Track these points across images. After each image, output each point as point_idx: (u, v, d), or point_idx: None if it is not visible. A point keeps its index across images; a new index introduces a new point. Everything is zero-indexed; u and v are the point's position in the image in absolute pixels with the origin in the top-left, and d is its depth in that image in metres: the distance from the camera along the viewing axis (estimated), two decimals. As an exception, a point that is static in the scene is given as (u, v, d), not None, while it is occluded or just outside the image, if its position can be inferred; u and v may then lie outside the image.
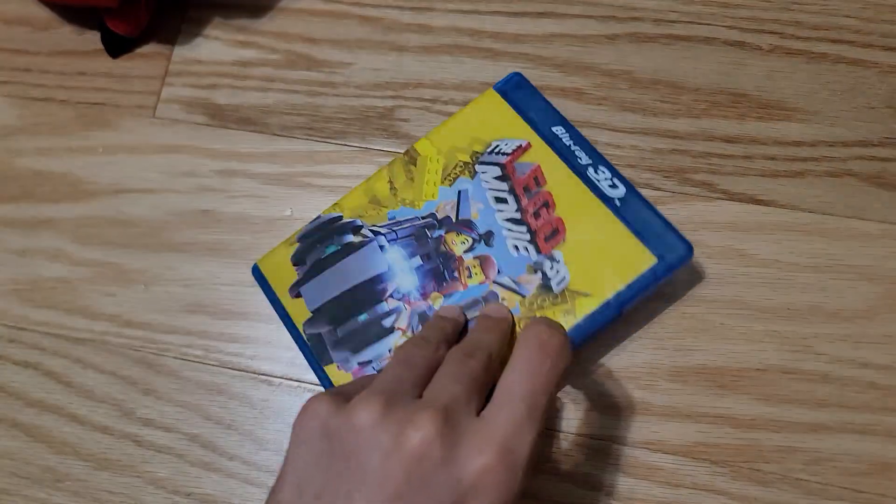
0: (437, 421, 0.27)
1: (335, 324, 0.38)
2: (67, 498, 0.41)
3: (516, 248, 0.37)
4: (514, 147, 0.39)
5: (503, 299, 0.37)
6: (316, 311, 0.39)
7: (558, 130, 0.39)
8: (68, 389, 0.42)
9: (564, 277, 0.36)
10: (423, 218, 0.39)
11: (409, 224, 0.39)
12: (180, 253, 0.44)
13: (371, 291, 0.38)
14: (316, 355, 0.38)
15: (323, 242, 0.40)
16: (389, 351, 0.37)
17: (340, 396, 0.29)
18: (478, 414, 0.28)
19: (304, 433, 0.28)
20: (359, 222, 0.40)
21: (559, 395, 0.39)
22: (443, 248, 0.38)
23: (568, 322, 0.36)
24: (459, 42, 0.46)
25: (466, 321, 0.36)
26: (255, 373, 0.41)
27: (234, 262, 0.43)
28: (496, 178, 0.39)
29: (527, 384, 0.28)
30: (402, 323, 0.38)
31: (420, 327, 0.37)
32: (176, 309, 0.43)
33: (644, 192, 0.42)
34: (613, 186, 0.37)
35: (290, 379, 0.41)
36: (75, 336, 0.43)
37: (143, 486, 0.41)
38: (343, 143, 0.44)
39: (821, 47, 0.43)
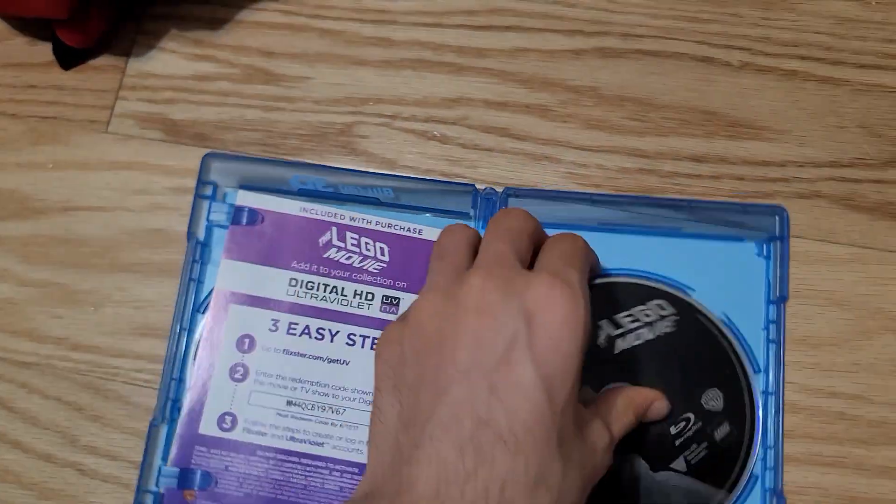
0: (482, 274, 0.30)
1: None
2: (8, 529, 0.39)
3: None
4: None
5: None
6: None
7: None
8: (11, 415, 0.41)
9: None
10: None
11: None
12: (131, 273, 0.42)
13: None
14: None
15: None
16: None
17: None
18: None
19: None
20: None
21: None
22: None
23: None
24: (422, 56, 0.44)
25: None
26: (205, 399, 0.40)
27: (186, 283, 0.42)
28: None
29: (562, 251, 0.33)
30: None
31: None
32: (126, 331, 0.42)
33: (609, 212, 0.41)
34: None
35: (242, 405, 0.40)
36: (20, 360, 0.41)
37: (87, 517, 0.39)
38: (299, 160, 0.43)
39: (791, 64, 0.42)
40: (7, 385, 0.41)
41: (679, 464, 0.37)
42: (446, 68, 0.44)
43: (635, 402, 0.35)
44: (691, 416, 0.37)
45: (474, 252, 0.34)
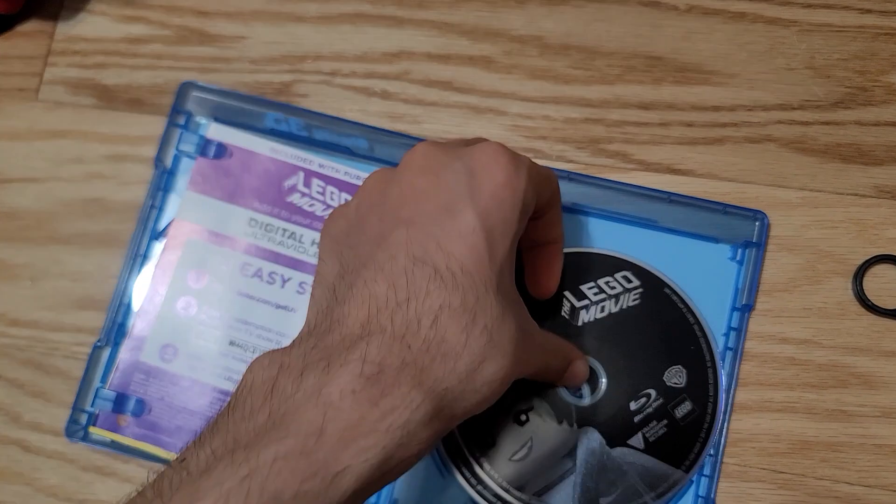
0: (426, 143, 0.30)
1: None
2: (-48, 510, 0.38)
3: None
4: None
5: None
6: None
7: None
8: (-50, 395, 0.40)
9: None
10: None
11: None
12: (69, 245, 0.41)
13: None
14: None
15: None
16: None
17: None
18: None
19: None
20: None
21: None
22: None
23: None
24: (360, 10, 0.43)
25: None
26: (149, 370, 0.39)
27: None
28: None
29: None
30: None
31: None
32: (65, 305, 0.40)
33: (557, 164, 0.40)
34: None
35: (187, 375, 0.39)
36: (-43, 338, 0.40)
37: (33, 494, 0.38)
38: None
39: (739, 6, 0.41)
40: (-55, 364, 0.40)
41: (637, 440, 0.36)
42: (386, 22, 0.42)
43: (564, 352, 0.34)
44: (652, 391, 0.36)
45: None
